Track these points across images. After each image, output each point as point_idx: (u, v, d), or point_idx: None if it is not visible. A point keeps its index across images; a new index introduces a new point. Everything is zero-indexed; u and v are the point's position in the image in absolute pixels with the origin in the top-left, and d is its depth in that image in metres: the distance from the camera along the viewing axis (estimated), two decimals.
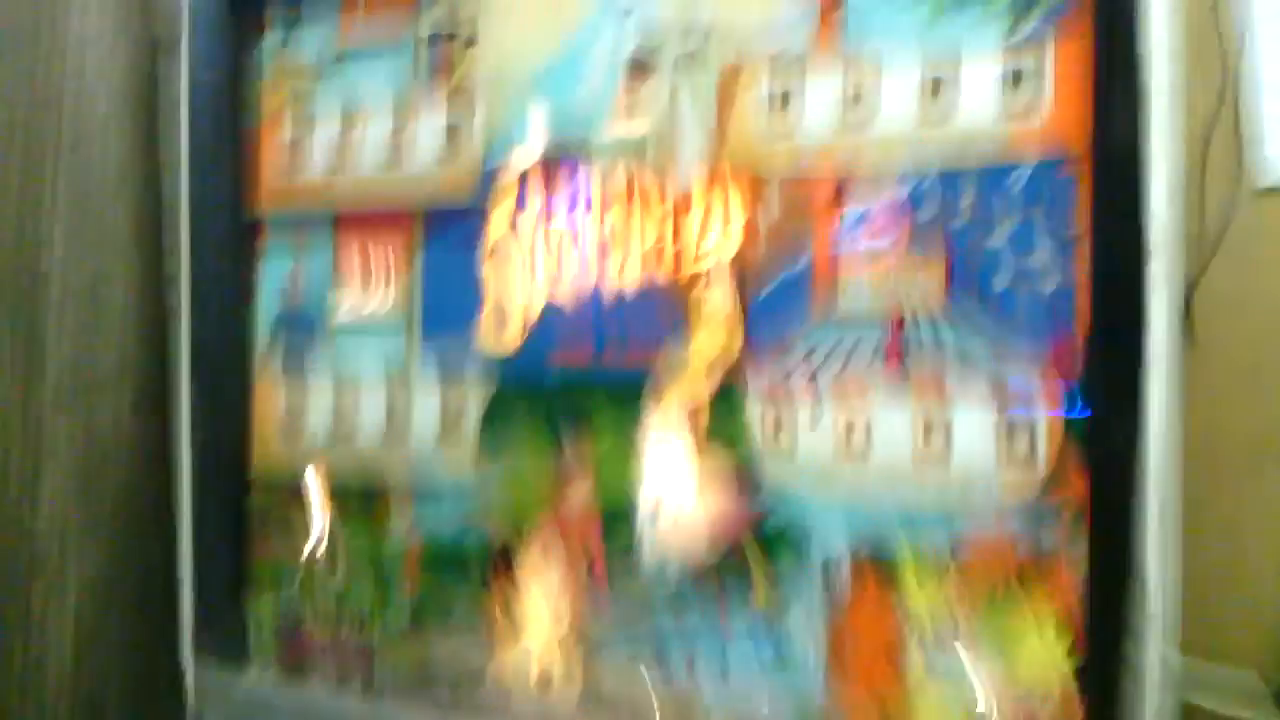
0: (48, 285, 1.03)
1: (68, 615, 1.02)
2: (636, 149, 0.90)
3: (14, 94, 1.00)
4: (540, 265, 0.93)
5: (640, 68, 0.90)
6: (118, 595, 1.05)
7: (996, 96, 0.81)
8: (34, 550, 1.00)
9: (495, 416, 0.95)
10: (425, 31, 0.98)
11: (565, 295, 0.92)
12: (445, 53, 0.98)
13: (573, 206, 0.92)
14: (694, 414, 0.88)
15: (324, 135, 1.03)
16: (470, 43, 0.96)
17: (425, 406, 0.98)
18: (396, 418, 0.99)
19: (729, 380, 0.87)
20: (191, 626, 1.03)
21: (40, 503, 1.01)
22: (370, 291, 1.01)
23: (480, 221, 0.96)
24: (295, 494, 1.03)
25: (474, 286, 0.96)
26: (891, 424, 0.83)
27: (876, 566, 0.82)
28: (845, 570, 0.83)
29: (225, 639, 1.03)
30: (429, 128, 0.98)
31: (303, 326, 1.03)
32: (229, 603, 1.04)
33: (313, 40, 1.04)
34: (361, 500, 1.00)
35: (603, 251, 0.91)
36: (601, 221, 0.91)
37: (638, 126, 0.90)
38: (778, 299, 0.86)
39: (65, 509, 1.03)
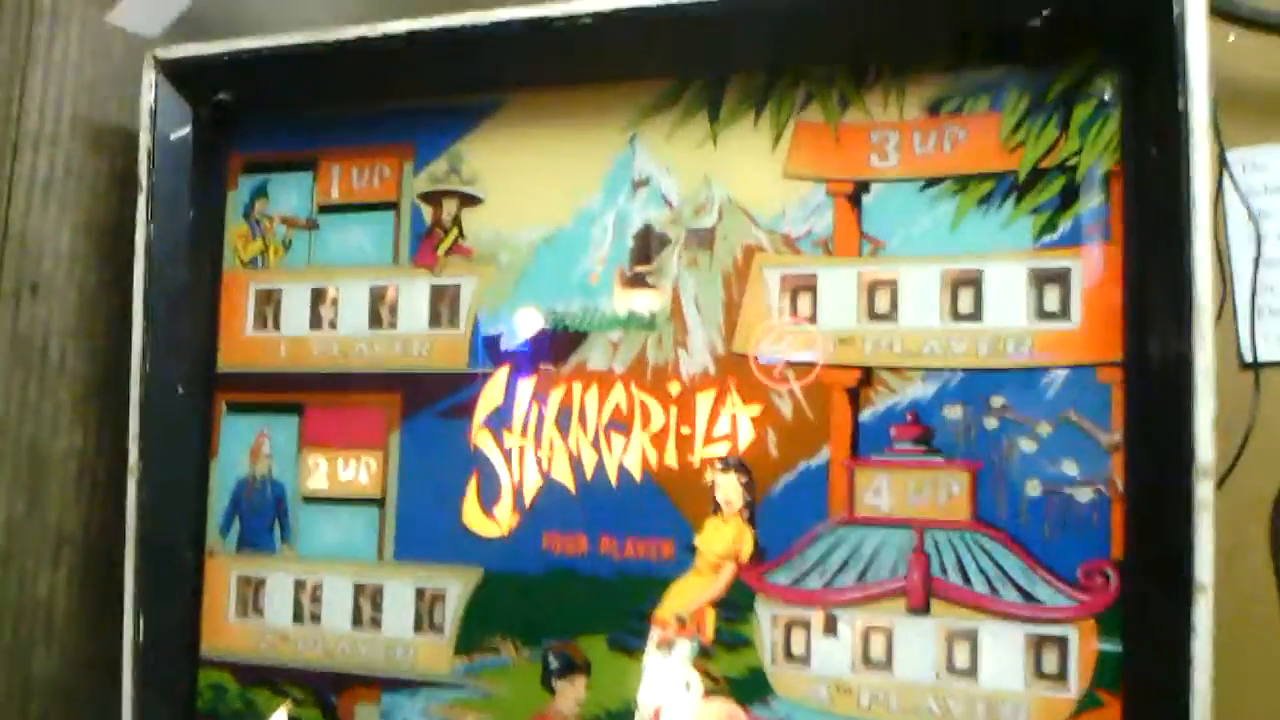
0: None
1: None
2: (643, 326, 0.90)
3: None
4: (538, 442, 0.92)
5: (651, 242, 0.91)
6: None
7: (1026, 297, 0.82)
8: None
9: (480, 604, 0.93)
10: (421, 187, 0.98)
11: (563, 476, 0.92)
12: (440, 210, 0.98)
13: (574, 382, 0.92)
14: (700, 613, 0.87)
15: (300, 291, 1.01)
16: (470, 201, 0.97)
17: (400, 591, 0.96)
18: (369, 602, 0.97)
19: (739, 579, 0.87)
20: None
21: None
22: (343, 463, 0.99)
23: (471, 392, 0.95)
24: (249, 679, 0.99)
25: (461, 462, 0.95)
26: (914, 634, 0.83)
27: None
28: None
29: None
30: (417, 289, 0.98)
31: (266, 497, 1.01)
32: None
33: (291, 189, 1.03)
34: (324, 690, 0.97)
35: (606, 432, 0.91)
36: (604, 399, 0.91)
37: (646, 303, 0.91)
38: (792, 495, 0.86)
39: None
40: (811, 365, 0.86)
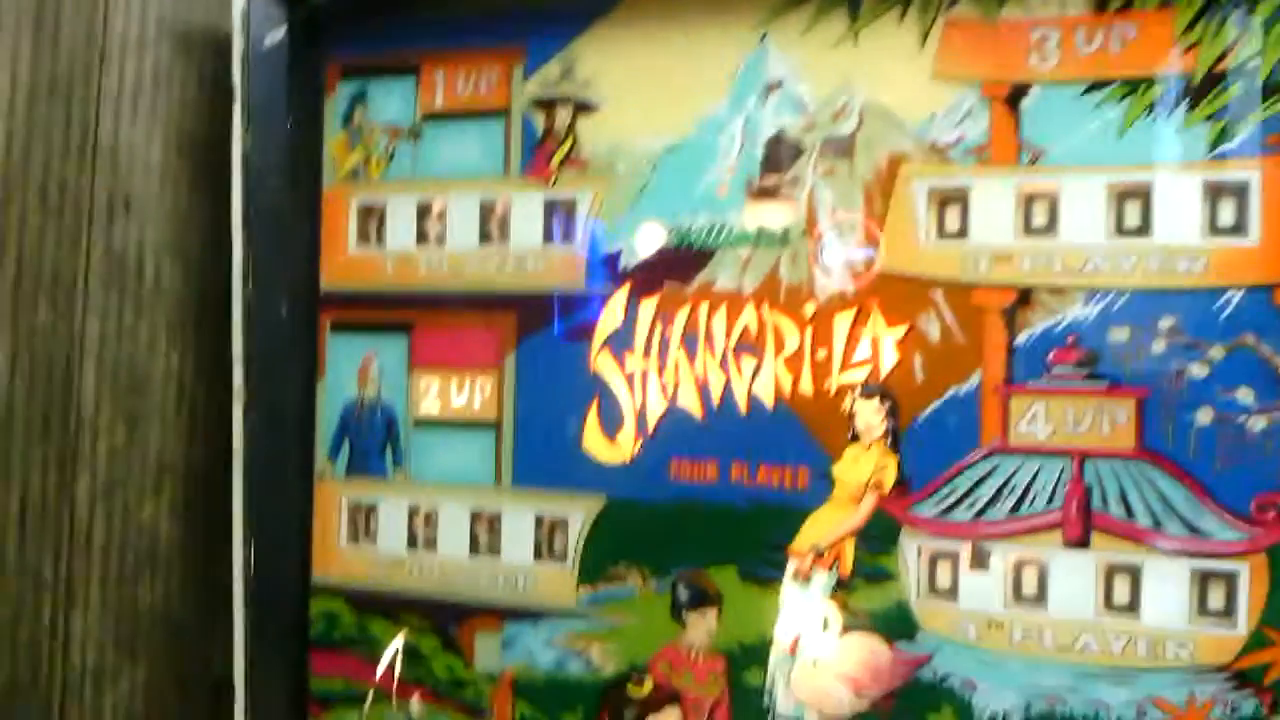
0: (84, 364, 0.98)
1: None
2: (777, 242, 0.87)
3: (49, 143, 0.95)
4: (661, 365, 0.90)
5: (784, 150, 0.87)
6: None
7: (1200, 211, 0.78)
8: (66, 676, 0.96)
9: (605, 533, 0.92)
10: (532, 93, 0.94)
11: (689, 401, 0.89)
12: (553, 118, 0.94)
13: (700, 302, 0.89)
14: (839, 545, 0.85)
15: (405, 206, 0.98)
16: (585, 108, 0.92)
17: (520, 518, 0.95)
18: (486, 529, 0.96)
19: (880, 510, 0.84)
20: None
21: (74, 617, 0.97)
22: (456, 386, 0.97)
23: (590, 312, 0.92)
24: (364, 606, 0.99)
25: (580, 385, 0.92)
26: (1070, 569, 0.80)
27: None
28: None
29: None
30: (530, 203, 0.94)
31: (376, 421, 1.00)
32: None
33: (393, 97, 0.99)
34: (443, 618, 0.97)
35: (735, 355, 0.88)
36: (733, 321, 0.88)
37: (779, 217, 0.87)
38: (940, 422, 0.83)
39: (100, 623, 0.99)
40: (963, 284, 0.82)
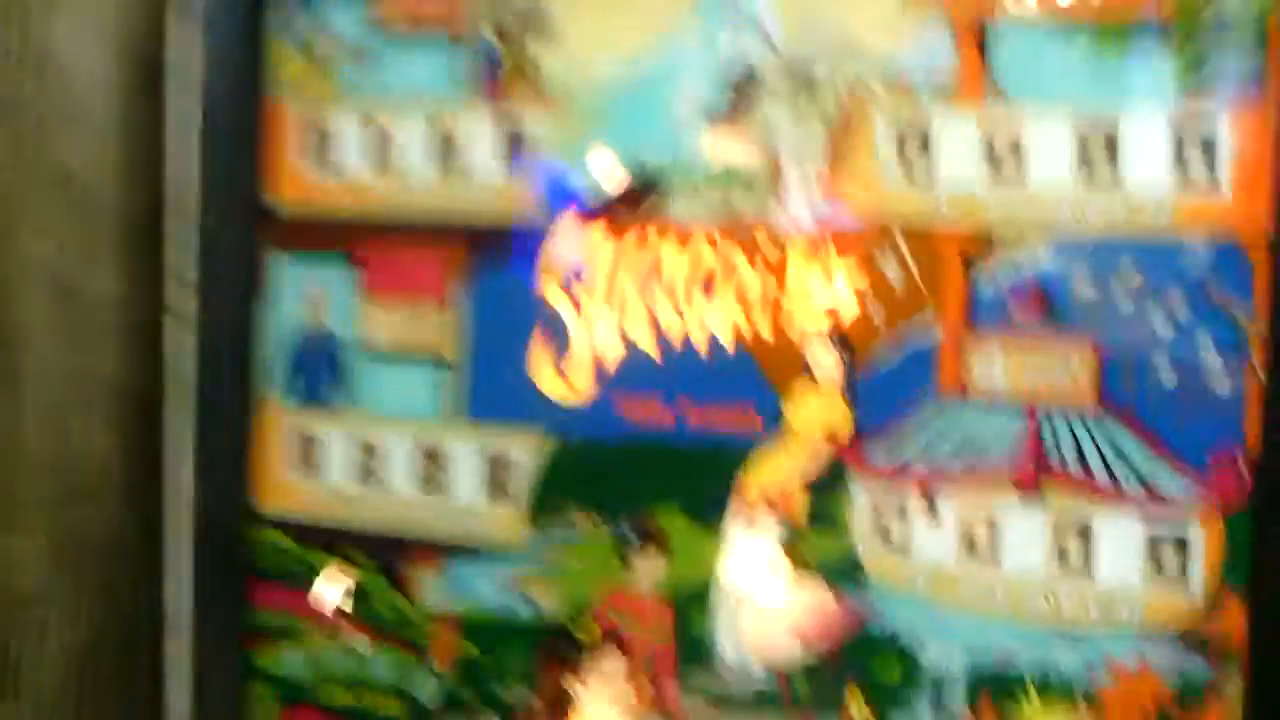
0: (23, 278, 0.99)
1: (45, 679, 1.00)
2: (739, 181, 0.87)
3: None
4: (615, 300, 0.90)
5: (748, 85, 0.87)
6: (99, 657, 1.03)
7: (1168, 159, 0.78)
8: (7, 603, 0.98)
9: (553, 472, 0.93)
10: (487, 18, 0.94)
11: (643, 339, 0.90)
12: (511, 41, 0.93)
13: (657, 237, 0.89)
14: (789, 493, 0.86)
15: (355, 129, 0.98)
16: (543, 32, 0.92)
17: (468, 454, 0.96)
18: (434, 464, 0.97)
19: (833, 460, 0.85)
20: (185, 688, 1.01)
21: (14, 539, 0.98)
22: (405, 316, 0.97)
23: (542, 244, 0.92)
24: (310, 540, 1.01)
25: (531, 319, 0.93)
26: (1024, 526, 0.81)
27: (997, 691, 0.81)
28: (960, 692, 0.82)
29: (221, 703, 1.02)
30: (485, 130, 0.94)
31: (323, 349, 1.00)
32: (226, 660, 1.02)
33: (341, 8, 0.98)
34: (388, 555, 0.98)
35: (691, 293, 0.88)
36: (692, 260, 0.88)
37: (741, 155, 0.87)
38: (897, 372, 0.84)
39: (39, 547, 1.00)
40: (923, 227, 0.83)
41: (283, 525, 1.02)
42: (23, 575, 0.99)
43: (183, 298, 1.00)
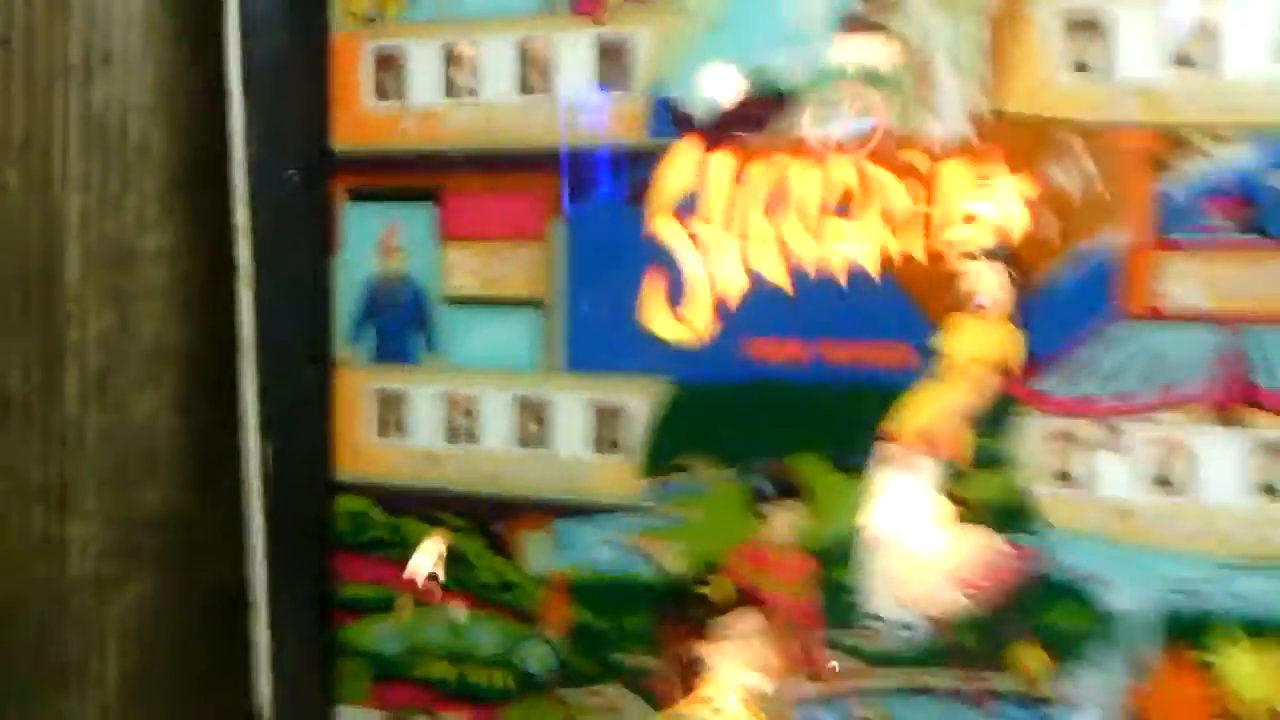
0: (65, 242, 0.79)
1: (109, 666, 0.81)
2: (877, 83, 0.68)
3: None
4: (738, 229, 0.72)
5: None
6: (170, 635, 0.84)
7: None
8: (63, 591, 0.78)
9: (671, 420, 0.75)
10: None
11: (772, 270, 0.71)
12: None
13: (785, 156, 0.71)
14: (950, 432, 0.69)
15: (429, 52, 0.79)
16: None
17: (572, 405, 0.77)
18: (534, 418, 0.78)
19: (1000, 390, 0.68)
20: (267, 668, 0.83)
21: (69, 525, 0.79)
22: (495, 258, 0.78)
23: (651, 169, 0.73)
24: (395, 505, 0.82)
25: (640, 255, 0.74)
26: (1221, 457, 0.64)
27: (1192, 638, 0.65)
28: (1151, 640, 0.65)
29: (308, 683, 0.83)
30: (579, 45, 0.75)
31: (402, 300, 0.81)
32: (312, 639, 0.84)
33: None
34: (487, 517, 0.80)
35: (827, 215, 0.70)
36: (826, 177, 0.70)
37: (879, 53, 0.68)
38: (1072, 291, 0.66)
39: (99, 531, 0.81)
40: (1104, 125, 0.65)
41: (366, 491, 0.83)
42: (79, 562, 0.80)
43: (246, 252, 0.80)
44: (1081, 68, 0.65)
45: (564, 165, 0.75)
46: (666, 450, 0.74)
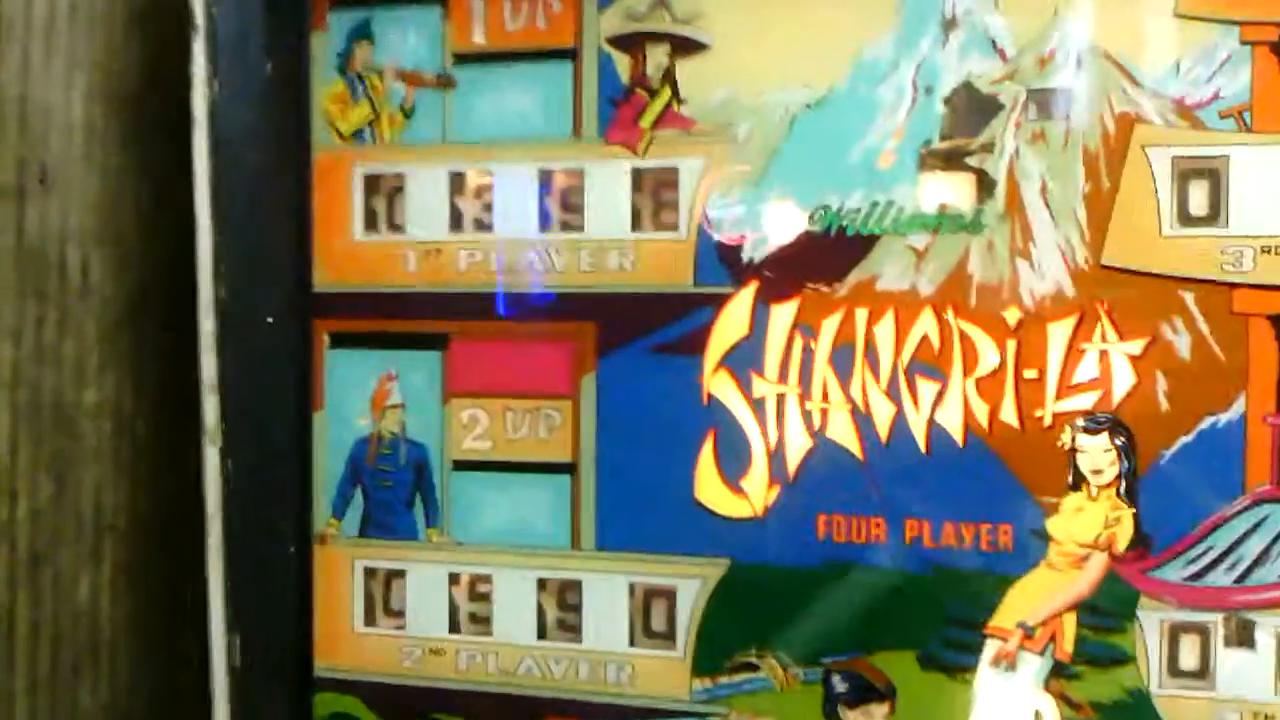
0: None
1: None
2: (966, 226, 0.64)
3: None
4: (804, 390, 0.67)
5: (973, 106, 0.64)
6: None
7: None
8: None
9: (729, 607, 0.68)
10: (612, 28, 0.69)
11: (844, 436, 0.66)
12: (643, 61, 0.69)
13: (858, 306, 0.66)
14: (1055, 621, 0.64)
15: (433, 178, 0.72)
16: (689, 47, 0.68)
17: (608, 588, 0.70)
18: (560, 602, 0.71)
19: (1112, 575, 0.63)
20: None
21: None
22: (513, 417, 0.72)
23: (702, 319, 0.68)
24: (387, 705, 0.74)
25: (689, 416, 0.68)
26: None
27: None
28: None
29: None
30: (613, 175, 0.69)
31: (398, 465, 0.73)
32: None
33: (410, 32, 0.72)
34: (501, 717, 0.72)
35: (909, 375, 0.65)
36: (905, 331, 0.65)
37: (967, 194, 0.64)
38: (1191, 462, 0.62)
39: None
40: (1222, 284, 0.61)
41: (351, 688, 0.74)
42: None
43: (213, 408, 0.71)
44: (1194, 217, 0.61)
45: (597, 312, 0.69)
46: (724, 642, 0.68)
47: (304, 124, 0.73)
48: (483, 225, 0.71)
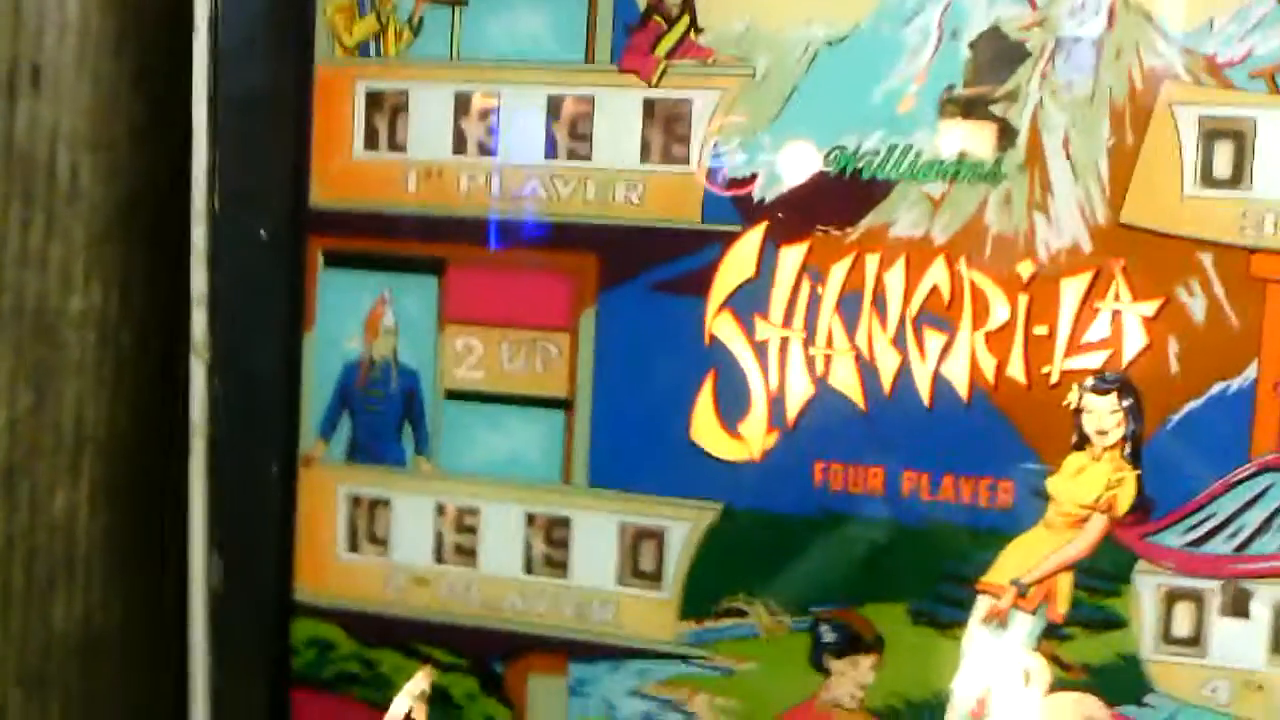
0: None
1: None
2: (982, 175, 0.65)
3: None
4: (809, 335, 0.67)
5: (999, 52, 0.64)
6: None
7: None
8: None
9: (720, 552, 0.69)
10: None
11: (847, 384, 0.67)
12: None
13: (869, 252, 0.66)
14: (1050, 580, 0.65)
15: (438, 97, 0.72)
16: None
17: (598, 526, 0.71)
18: (548, 538, 0.72)
19: (1110, 537, 0.64)
20: None
21: None
22: (510, 348, 0.72)
23: (708, 257, 0.68)
24: (370, 634, 0.75)
25: (689, 355, 0.69)
26: None
27: None
28: None
29: None
30: (624, 105, 0.69)
31: (390, 389, 0.74)
32: None
33: None
34: (484, 653, 0.73)
35: (917, 325, 0.66)
36: (915, 280, 0.66)
37: (988, 142, 0.65)
38: (1198, 427, 0.63)
39: (2, 652, 0.72)
40: (1245, 243, 0.62)
41: (333, 615, 0.75)
42: None
43: (202, 322, 0.72)
44: (1217, 179, 0.62)
45: (600, 245, 0.69)
46: (712, 587, 0.69)
47: (307, 34, 0.72)
48: (486, 149, 0.71)
